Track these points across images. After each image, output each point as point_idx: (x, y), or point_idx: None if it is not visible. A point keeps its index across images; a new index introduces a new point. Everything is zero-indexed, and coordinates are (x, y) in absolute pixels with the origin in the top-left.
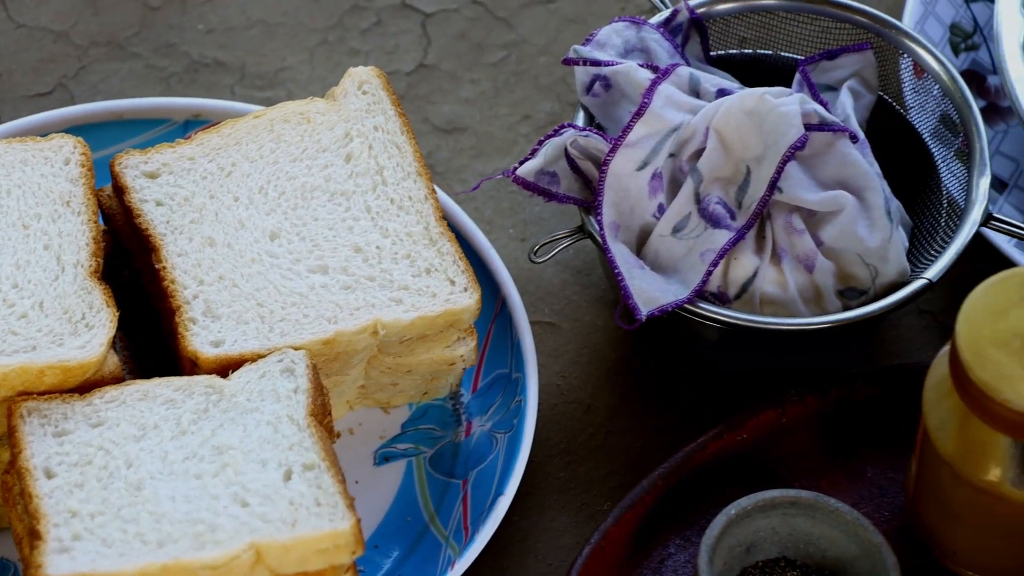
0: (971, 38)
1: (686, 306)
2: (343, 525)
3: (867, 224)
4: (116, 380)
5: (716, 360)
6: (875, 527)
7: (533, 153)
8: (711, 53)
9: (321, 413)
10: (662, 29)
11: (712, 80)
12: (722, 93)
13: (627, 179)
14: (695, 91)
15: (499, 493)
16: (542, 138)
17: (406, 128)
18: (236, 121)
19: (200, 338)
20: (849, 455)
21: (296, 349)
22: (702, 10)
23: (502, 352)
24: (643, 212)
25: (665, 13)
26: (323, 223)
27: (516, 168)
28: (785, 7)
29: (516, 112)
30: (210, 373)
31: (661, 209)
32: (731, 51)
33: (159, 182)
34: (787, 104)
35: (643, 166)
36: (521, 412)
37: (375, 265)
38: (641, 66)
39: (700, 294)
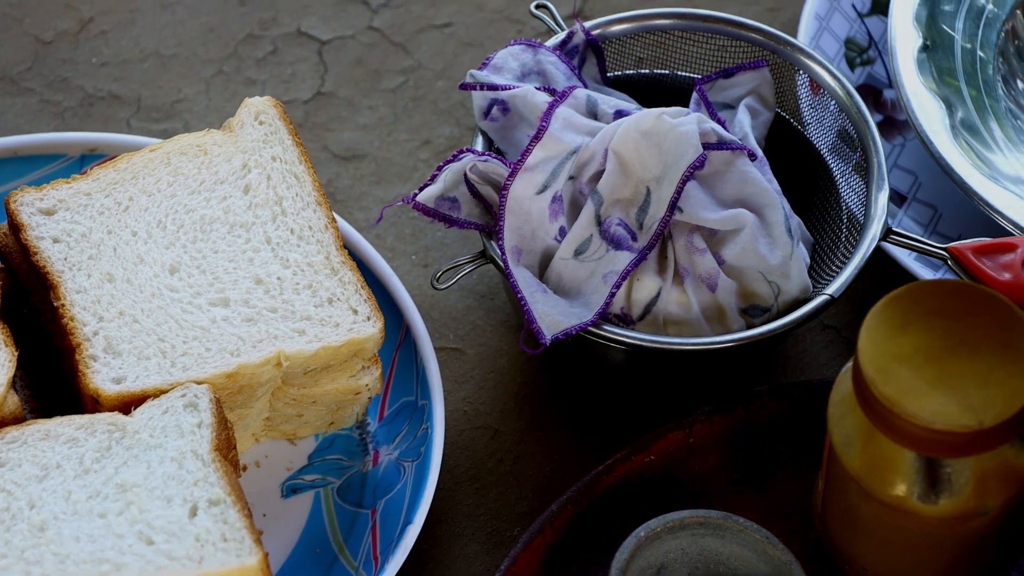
0: (866, 52)
1: (590, 329)
2: (250, 560)
3: (768, 242)
4: (17, 420)
5: (623, 382)
6: (784, 545)
7: (432, 179)
8: (608, 74)
9: (226, 447)
10: (558, 52)
11: (609, 102)
12: (620, 115)
13: (527, 203)
14: (593, 113)
15: (408, 522)
16: (441, 164)
17: (304, 157)
18: (132, 155)
19: (101, 375)
20: (758, 473)
21: (199, 383)
22: (598, 31)
23: (407, 380)
24: (544, 235)
25: (561, 36)
26: (223, 255)
27: (416, 195)
28: (680, 26)
29: (415, 137)
30: (112, 410)
31: (563, 232)
32: (628, 72)
33: (56, 219)
34: (685, 124)
35: (543, 189)
36: (428, 440)
37: (277, 296)
38: (538, 89)
39: (604, 316)
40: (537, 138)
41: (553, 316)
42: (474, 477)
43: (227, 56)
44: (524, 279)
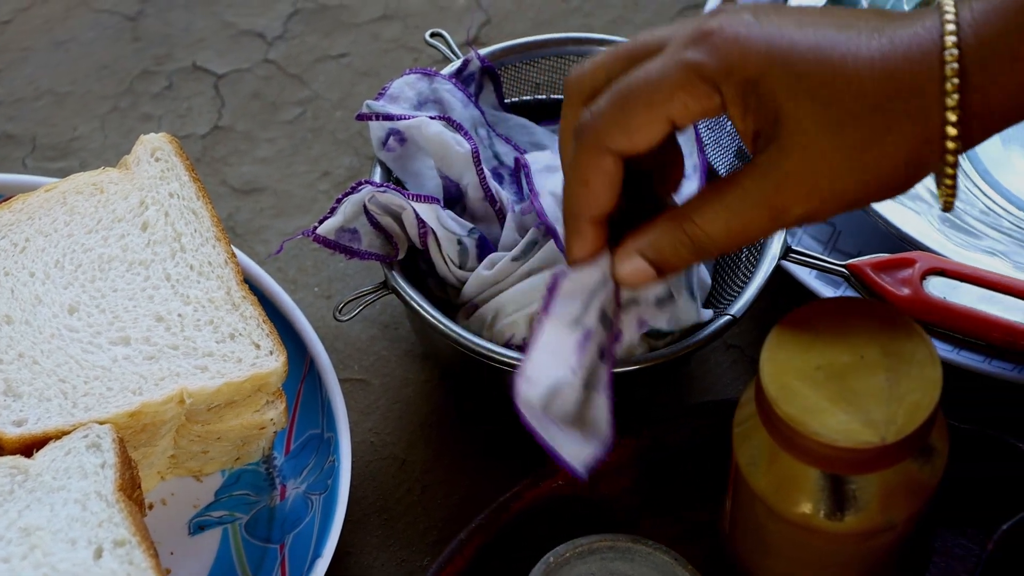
0: None
1: (495, 356)
2: None
3: None
4: None
5: None
6: (693, 566)
7: (332, 211)
8: (505, 100)
9: (130, 487)
10: (454, 79)
11: (504, 149)
12: (517, 163)
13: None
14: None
15: (317, 555)
16: (340, 196)
17: (202, 192)
18: (28, 195)
19: (2, 418)
20: (666, 495)
21: (101, 423)
22: (494, 59)
23: (313, 412)
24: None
25: (456, 64)
26: (122, 294)
27: (316, 227)
28: (576, 51)
29: (315, 169)
30: (14, 453)
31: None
32: (525, 97)
33: None
34: None
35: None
36: (335, 472)
37: (178, 333)
38: (433, 118)
39: (508, 344)
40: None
41: (574, 448)
42: (382, 508)
43: (122, 92)
44: (539, 422)
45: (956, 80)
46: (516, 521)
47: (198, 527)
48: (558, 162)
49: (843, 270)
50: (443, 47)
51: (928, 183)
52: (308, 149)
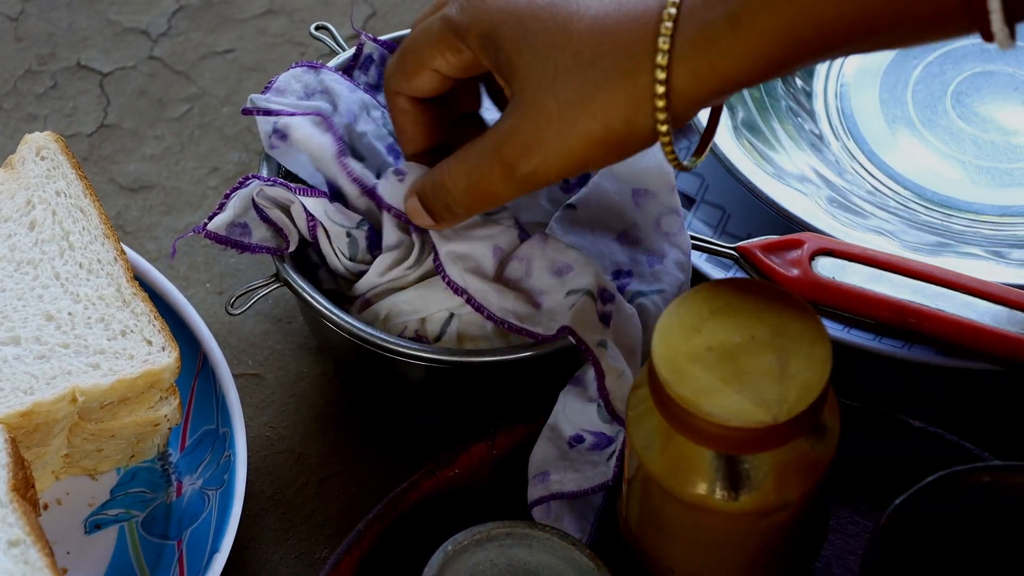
0: None
1: (388, 346)
2: None
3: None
4: None
5: (425, 398)
6: (591, 550)
7: (221, 207)
8: None
9: (24, 487)
10: (342, 74)
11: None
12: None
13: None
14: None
15: (215, 551)
16: (228, 191)
17: (89, 191)
18: None
19: None
20: None
21: None
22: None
23: (207, 408)
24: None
25: (349, 52)
26: (11, 293)
27: (206, 224)
28: None
29: (204, 165)
30: None
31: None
32: None
33: None
34: None
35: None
36: (231, 467)
37: (68, 332)
38: (307, 115)
39: (401, 335)
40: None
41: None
42: (280, 501)
43: (6, 93)
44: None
45: (666, 47)
46: (414, 510)
47: (94, 526)
48: None
49: (733, 252)
50: (329, 40)
51: (814, 163)
52: (196, 146)
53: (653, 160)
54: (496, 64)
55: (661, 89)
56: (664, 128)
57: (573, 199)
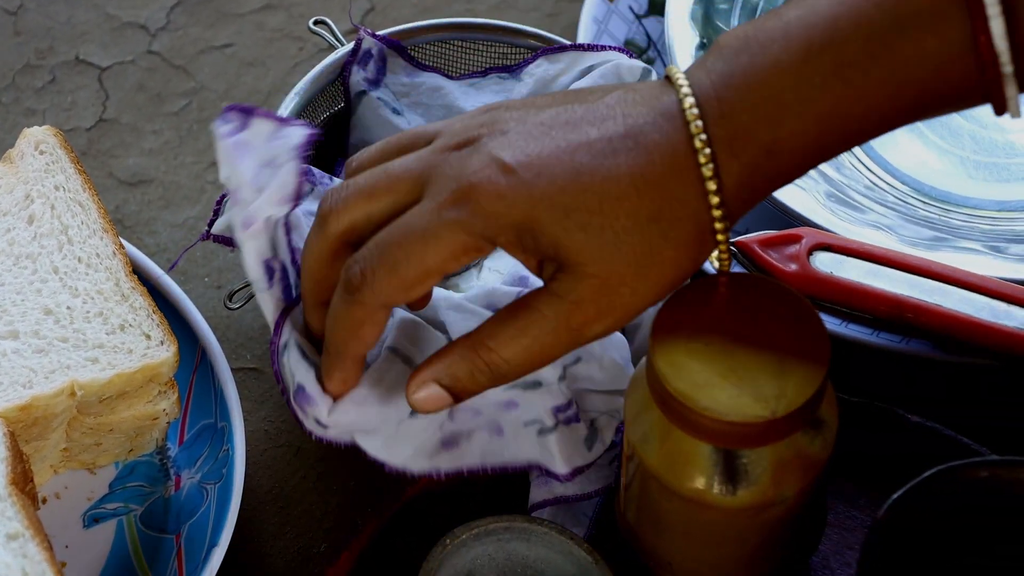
0: (646, 53)
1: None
2: None
3: None
4: None
5: None
6: (589, 544)
7: (216, 214)
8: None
9: (22, 481)
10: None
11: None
12: None
13: None
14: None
15: (213, 544)
16: (220, 197)
17: (88, 185)
18: None
19: None
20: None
21: None
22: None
23: (206, 402)
24: None
25: (348, 47)
26: (10, 288)
27: (209, 230)
28: (460, 36)
29: (202, 159)
30: None
31: None
32: None
33: None
34: None
35: None
36: (230, 461)
37: (67, 326)
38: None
39: None
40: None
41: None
42: (278, 496)
43: (4, 87)
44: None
45: (714, 188)
46: (412, 504)
47: (93, 519)
48: None
49: (731, 247)
50: (327, 35)
51: None
52: (195, 140)
53: None
54: (536, 250)
55: (719, 214)
56: (723, 244)
57: None
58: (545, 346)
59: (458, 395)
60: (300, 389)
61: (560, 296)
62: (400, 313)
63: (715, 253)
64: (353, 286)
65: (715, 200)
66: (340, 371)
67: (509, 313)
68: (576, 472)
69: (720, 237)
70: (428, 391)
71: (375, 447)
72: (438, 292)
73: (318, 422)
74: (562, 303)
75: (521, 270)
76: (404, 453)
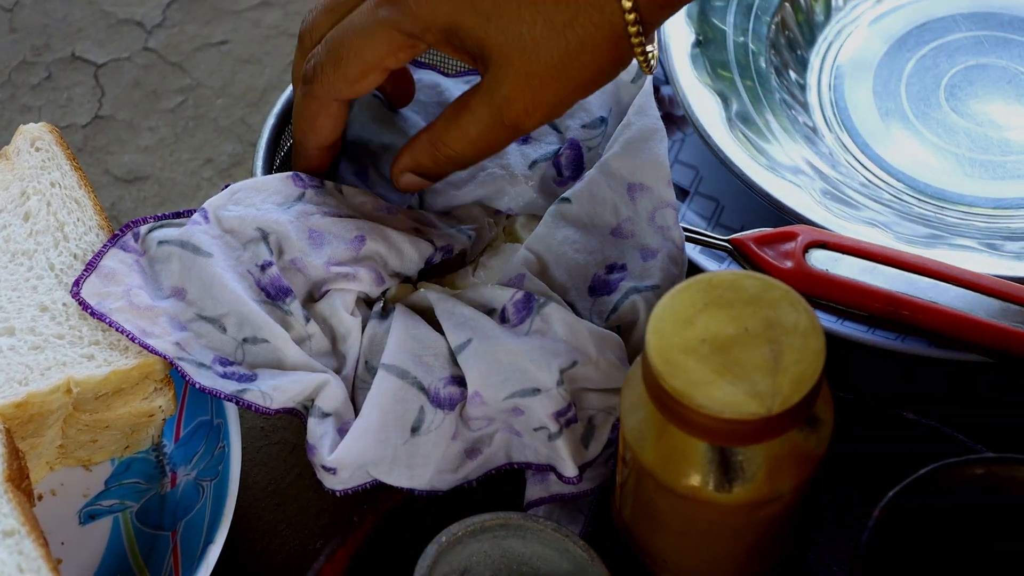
0: None
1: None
2: None
3: None
4: None
5: None
6: (585, 542)
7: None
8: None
9: (18, 477)
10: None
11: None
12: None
13: None
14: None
15: (209, 541)
16: (226, 184)
17: (84, 182)
18: None
19: None
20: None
21: None
22: None
23: (202, 399)
24: None
25: None
26: (6, 284)
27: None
28: None
29: (198, 156)
30: None
31: None
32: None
33: None
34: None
35: None
36: (226, 458)
37: (63, 323)
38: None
39: None
40: None
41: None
42: (274, 492)
43: (0, 84)
44: None
45: None
46: (408, 502)
47: (88, 516)
48: None
49: (727, 245)
50: None
51: (807, 156)
52: (191, 137)
53: (650, 155)
54: (462, 50)
55: (632, 16)
56: (639, 49)
57: (568, 193)
58: (489, 139)
59: (431, 177)
60: (308, 448)
61: (491, 94)
62: (396, 323)
63: (637, 60)
64: (307, 80)
65: (627, 4)
66: (304, 161)
67: (454, 112)
68: (580, 472)
69: (635, 41)
70: (405, 178)
71: (394, 476)
72: (434, 293)
73: (324, 468)
74: (493, 102)
75: (517, 268)
76: (426, 475)
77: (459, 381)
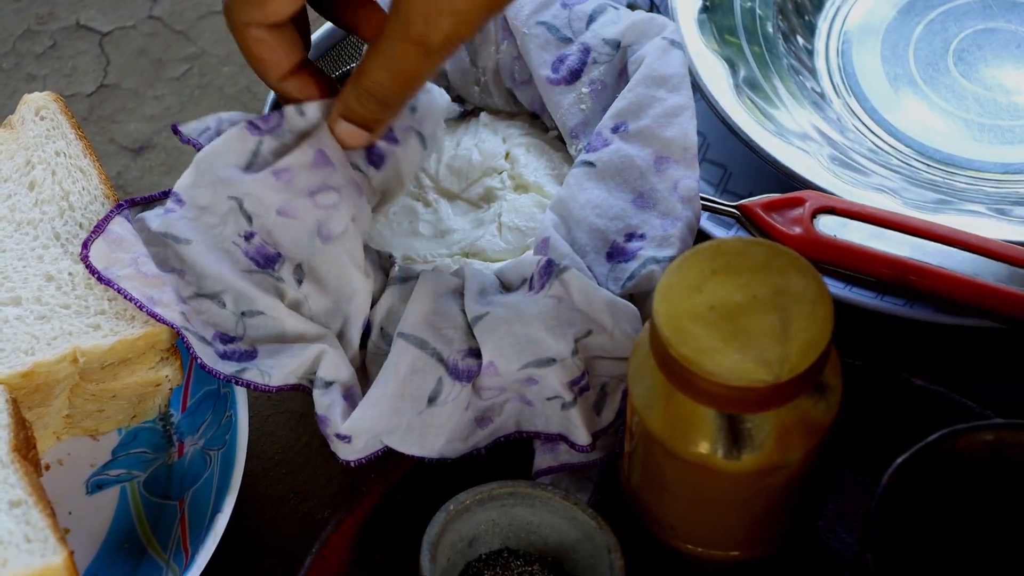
0: None
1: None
2: (55, 559)
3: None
4: None
5: None
6: (592, 509)
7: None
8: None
9: (25, 447)
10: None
11: None
12: None
13: None
14: None
15: (217, 510)
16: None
17: (89, 151)
18: None
19: None
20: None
21: None
22: None
23: None
24: None
25: None
26: (12, 254)
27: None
28: None
29: None
30: None
31: None
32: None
33: None
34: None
35: None
36: (233, 427)
37: (69, 292)
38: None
39: None
40: None
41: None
42: (282, 461)
43: (5, 53)
44: None
45: None
46: (416, 470)
47: (96, 486)
48: None
49: (734, 211)
50: None
51: (815, 121)
52: (196, 105)
53: (679, 130)
54: None
55: None
56: None
57: (592, 157)
58: (401, 63)
59: (367, 127)
60: (319, 420)
61: (396, 13)
62: (419, 291)
63: None
64: (226, 18)
65: None
66: (281, 97)
67: (372, 45)
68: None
69: None
70: (340, 127)
71: (406, 444)
72: (468, 267)
73: (339, 437)
74: (398, 22)
75: (545, 231)
76: (437, 444)
77: (477, 353)
